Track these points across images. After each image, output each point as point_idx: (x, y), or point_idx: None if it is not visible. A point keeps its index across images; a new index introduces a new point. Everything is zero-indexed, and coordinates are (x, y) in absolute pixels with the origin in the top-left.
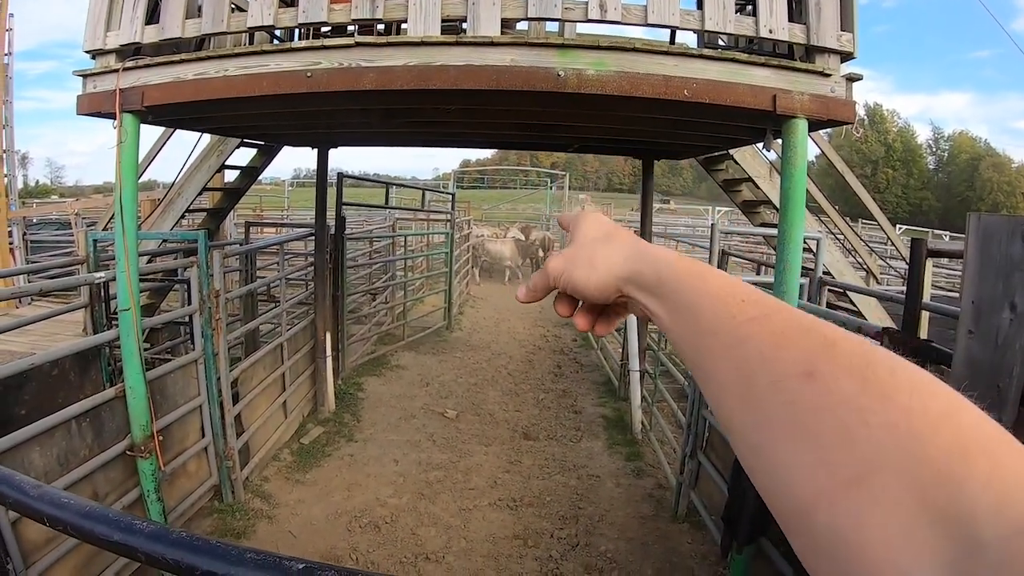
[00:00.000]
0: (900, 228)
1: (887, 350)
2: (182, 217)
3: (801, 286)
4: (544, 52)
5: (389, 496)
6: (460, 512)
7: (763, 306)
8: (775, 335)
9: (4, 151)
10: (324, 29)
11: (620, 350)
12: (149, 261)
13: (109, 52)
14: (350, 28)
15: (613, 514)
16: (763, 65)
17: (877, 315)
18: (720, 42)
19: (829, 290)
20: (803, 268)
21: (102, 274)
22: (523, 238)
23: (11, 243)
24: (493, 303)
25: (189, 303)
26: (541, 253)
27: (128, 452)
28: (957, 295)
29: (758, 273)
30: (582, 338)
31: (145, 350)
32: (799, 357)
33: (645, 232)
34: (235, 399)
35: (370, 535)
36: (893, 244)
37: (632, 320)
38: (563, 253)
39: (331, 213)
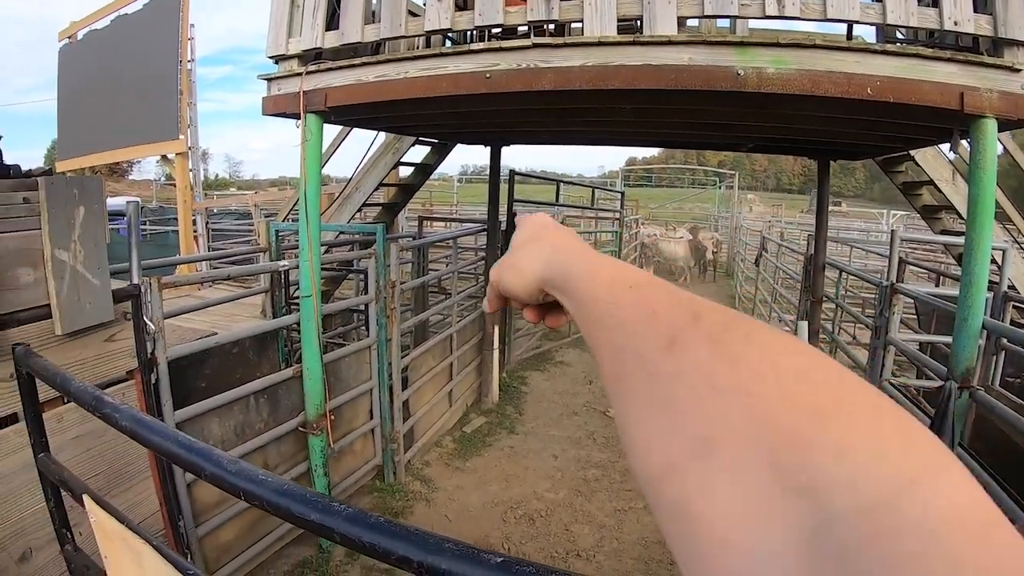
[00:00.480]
0: None
1: (760, 321)
2: (358, 211)
3: (986, 299)
4: (722, 50)
5: (546, 490)
6: (615, 512)
7: (646, 288)
8: (649, 314)
9: (190, 148)
10: (495, 31)
11: None
12: (327, 251)
13: (291, 57)
14: (520, 29)
15: None
16: (949, 60)
17: None
18: (898, 35)
19: (1014, 306)
20: (988, 282)
21: (286, 262)
22: (691, 238)
23: (195, 231)
24: None
25: (365, 292)
26: (709, 254)
27: (301, 428)
28: None
29: (937, 284)
30: None
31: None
32: (663, 331)
33: (820, 237)
34: (404, 385)
35: (524, 527)
36: None
37: (803, 328)
38: (500, 261)
39: (503, 208)
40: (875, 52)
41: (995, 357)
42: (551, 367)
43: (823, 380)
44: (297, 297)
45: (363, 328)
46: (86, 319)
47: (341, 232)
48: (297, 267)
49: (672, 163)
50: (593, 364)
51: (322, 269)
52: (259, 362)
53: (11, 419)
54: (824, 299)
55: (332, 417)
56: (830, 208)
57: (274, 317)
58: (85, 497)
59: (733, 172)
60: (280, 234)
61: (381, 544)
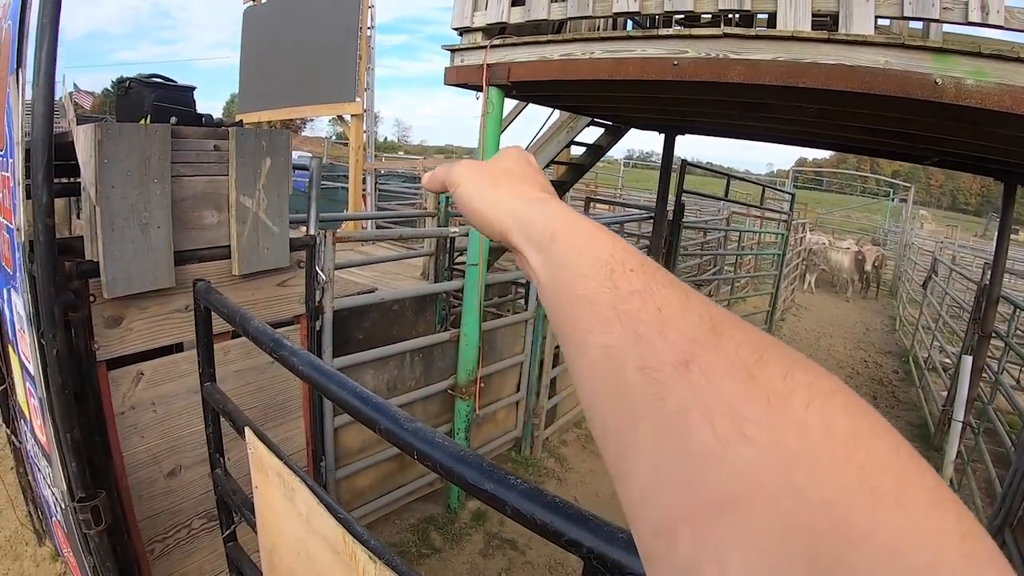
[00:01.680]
0: None
1: (795, 352)
2: None
3: None
4: (918, 55)
5: None
6: None
7: (651, 278)
8: (654, 313)
9: (365, 111)
10: (677, 17)
11: (944, 394)
12: None
13: (476, 30)
14: (704, 17)
15: None
16: None
17: None
18: None
19: None
20: None
21: (456, 229)
22: (857, 249)
23: (364, 190)
24: (817, 315)
25: None
26: (869, 266)
27: (450, 391)
28: None
29: None
30: (904, 371)
31: None
32: (677, 343)
33: (998, 267)
34: (555, 362)
35: None
36: None
37: (966, 363)
38: (471, 164)
39: (671, 197)
40: None
41: None
42: None
43: (882, 454)
44: (460, 264)
45: (520, 302)
46: (263, 263)
47: None
48: (466, 235)
49: (844, 168)
50: None
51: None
52: (416, 322)
53: (178, 347)
54: (993, 335)
55: (482, 384)
56: (1011, 237)
57: (435, 281)
58: (247, 429)
59: (909, 185)
60: (450, 201)
61: (553, 524)
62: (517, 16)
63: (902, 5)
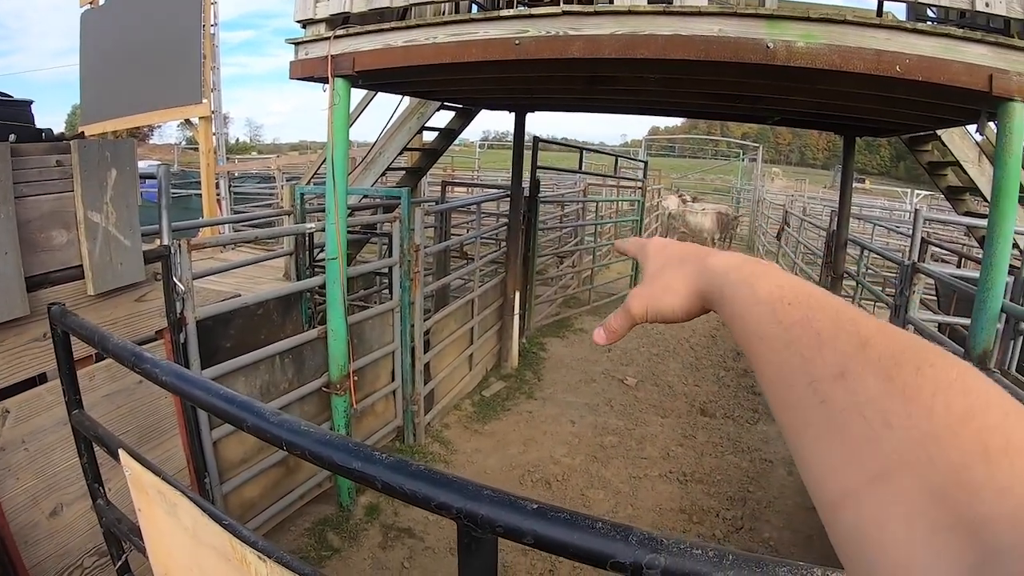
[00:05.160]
0: None
1: (926, 344)
2: (382, 175)
3: (1007, 282)
4: (752, 23)
5: (563, 455)
6: (630, 479)
7: (806, 307)
8: (814, 337)
9: (213, 112)
10: None
11: None
12: (350, 215)
13: (319, 21)
14: None
15: (781, 502)
16: (979, 42)
17: None
18: (930, 14)
19: None
20: (1009, 266)
21: (312, 225)
22: (720, 211)
23: (218, 195)
24: None
25: (389, 255)
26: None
27: (324, 389)
28: None
29: (959, 266)
30: None
31: None
32: (833, 359)
33: (843, 214)
34: (426, 347)
35: (540, 490)
36: None
37: None
38: (640, 291)
39: (526, 175)
40: (906, 30)
41: (1013, 342)
42: (570, 334)
43: (992, 421)
44: (321, 260)
45: (386, 292)
46: (118, 279)
47: (364, 196)
48: (323, 230)
49: (695, 133)
50: None
51: (347, 232)
52: (283, 323)
53: (41, 379)
54: (845, 276)
55: (355, 378)
56: (854, 185)
57: (298, 279)
58: (121, 451)
59: (757, 145)
60: (305, 198)
61: (422, 491)
62: (360, 5)
63: None
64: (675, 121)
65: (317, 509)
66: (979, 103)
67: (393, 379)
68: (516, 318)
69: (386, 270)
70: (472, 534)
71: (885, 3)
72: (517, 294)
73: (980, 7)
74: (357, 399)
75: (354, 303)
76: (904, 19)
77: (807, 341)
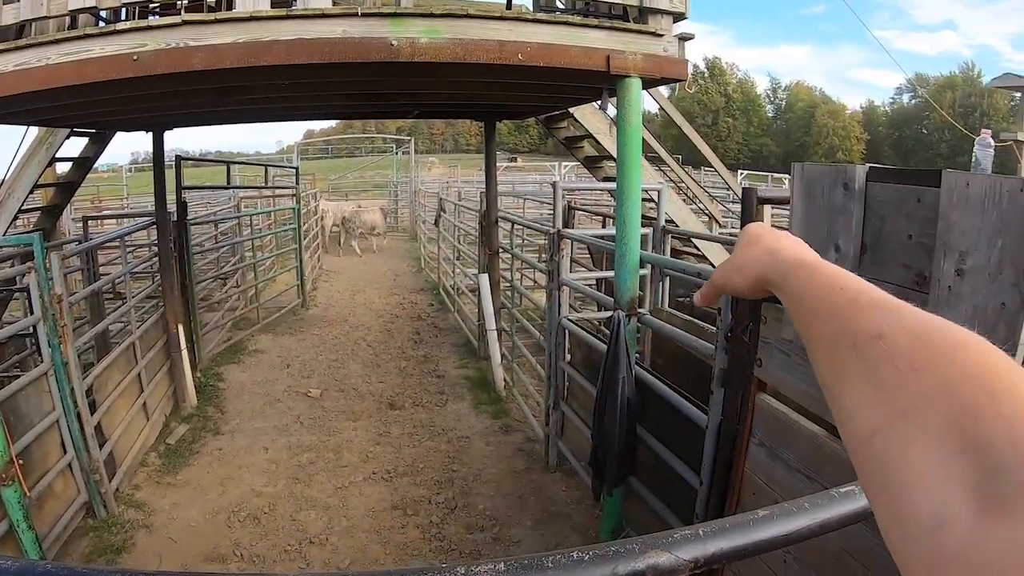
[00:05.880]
0: (743, 173)
1: (946, 320)
2: (15, 219)
3: (644, 236)
4: (376, 22)
5: (264, 485)
6: (337, 491)
7: (855, 289)
8: (859, 310)
9: None
10: (153, 6)
11: (476, 311)
12: None
13: None
14: (180, 4)
15: (487, 472)
16: (596, 27)
17: (721, 259)
18: (559, 4)
19: (673, 237)
20: (646, 218)
21: None
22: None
23: None
24: (348, 275)
25: (31, 312)
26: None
27: None
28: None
29: (604, 226)
30: (438, 302)
31: None
32: (873, 324)
33: (490, 194)
34: (92, 408)
35: (250, 528)
36: (732, 190)
37: (483, 281)
38: (721, 268)
39: (172, 197)
40: (527, 20)
41: (661, 283)
42: (246, 357)
43: (999, 371)
44: None
45: (38, 354)
46: None
47: None
48: None
49: (350, 132)
50: (288, 346)
51: None
52: None
53: None
54: (502, 250)
55: (20, 462)
56: (507, 164)
57: None
58: None
59: (410, 137)
60: None
61: None
62: None
63: None
64: (331, 123)
65: None
66: (601, 81)
67: (65, 451)
68: (184, 353)
69: (31, 329)
70: None
71: None
72: (181, 327)
73: None
74: (29, 485)
75: (7, 375)
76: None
77: (854, 313)
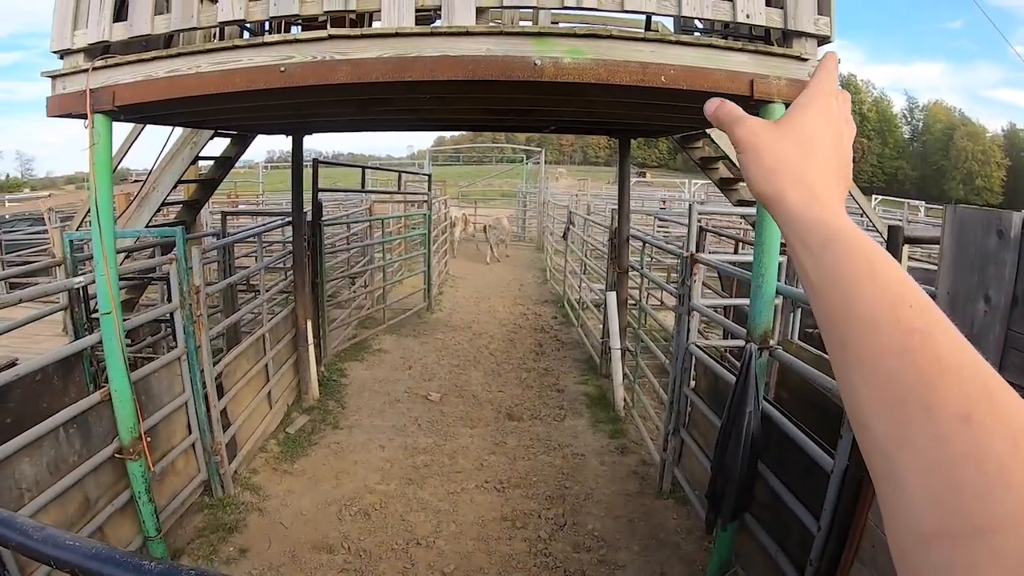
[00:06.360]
0: (876, 198)
1: None
2: (158, 211)
3: (780, 264)
4: (519, 41)
5: (377, 483)
6: (448, 496)
7: (928, 319)
8: (937, 360)
9: None
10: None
11: (600, 327)
12: (126, 257)
13: (77, 52)
14: (321, 19)
15: (599, 492)
16: (740, 50)
17: None
18: (698, 25)
19: None
20: (782, 246)
21: (81, 279)
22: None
23: None
24: (473, 282)
25: (169, 300)
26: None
27: (117, 455)
28: (935, 266)
29: (736, 251)
30: (562, 315)
31: (128, 346)
32: (959, 396)
33: (622, 212)
34: (220, 393)
35: (360, 523)
36: (867, 217)
37: (611, 299)
38: (768, 127)
39: (308, 196)
40: (670, 43)
41: (792, 314)
42: (369, 356)
43: None
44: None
45: (172, 338)
46: None
47: (138, 238)
48: (93, 282)
49: (480, 141)
50: (411, 348)
51: (121, 279)
52: (66, 387)
53: None
54: (631, 269)
55: (148, 438)
56: (635, 179)
57: (76, 337)
58: None
59: (540, 148)
60: (76, 243)
61: None
62: (120, 32)
63: None
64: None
65: None
66: (742, 105)
67: (190, 432)
68: (311, 347)
69: (168, 316)
70: None
71: (655, 17)
72: (309, 323)
73: (741, 19)
74: (154, 460)
75: (140, 355)
76: (672, 32)
77: (926, 359)
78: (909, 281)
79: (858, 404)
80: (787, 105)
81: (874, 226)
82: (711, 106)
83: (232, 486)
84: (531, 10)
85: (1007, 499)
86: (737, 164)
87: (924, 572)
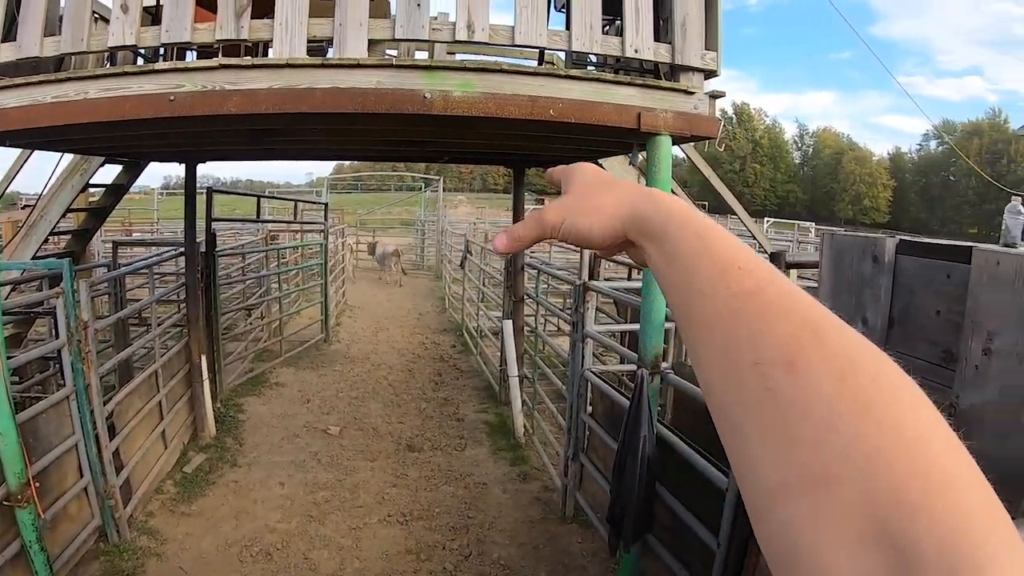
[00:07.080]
0: (769, 220)
1: (880, 353)
2: (46, 240)
3: None
4: (410, 74)
5: (278, 521)
6: (351, 531)
7: (759, 276)
8: (764, 311)
9: None
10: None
11: (499, 355)
12: (12, 290)
13: None
14: (215, 47)
15: (503, 520)
16: (628, 84)
17: None
18: (591, 58)
19: None
20: None
21: None
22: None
23: None
24: (371, 312)
25: (56, 336)
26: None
27: (4, 502)
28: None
29: (629, 278)
30: (461, 343)
31: (14, 384)
32: (784, 342)
33: None
34: (112, 433)
35: (262, 564)
36: (756, 239)
37: (507, 326)
38: (560, 203)
39: (202, 225)
40: (560, 76)
41: None
42: (266, 390)
43: (938, 452)
44: None
45: (60, 376)
46: None
47: (24, 270)
48: None
49: (380, 169)
50: (309, 381)
51: (7, 313)
52: None
53: None
54: (527, 296)
55: (37, 484)
56: (533, 206)
57: None
58: None
59: (438, 177)
60: None
61: None
62: (8, 54)
63: (394, 27)
64: None
65: None
66: (631, 137)
67: (82, 475)
68: (206, 382)
69: (55, 353)
70: None
71: (547, 51)
72: (204, 357)
73: (630, 53)
74: (44, 507)
75: (28, 395)
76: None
77: (756, 314)
78: (741, 247)
79: (705, 381)
80: (673, 137)
81: (763, 248)
82: (500, 245)
83: (128, 531)
84: (426, 43)
85: (837, 442)
86: None
87: (773, 533)
